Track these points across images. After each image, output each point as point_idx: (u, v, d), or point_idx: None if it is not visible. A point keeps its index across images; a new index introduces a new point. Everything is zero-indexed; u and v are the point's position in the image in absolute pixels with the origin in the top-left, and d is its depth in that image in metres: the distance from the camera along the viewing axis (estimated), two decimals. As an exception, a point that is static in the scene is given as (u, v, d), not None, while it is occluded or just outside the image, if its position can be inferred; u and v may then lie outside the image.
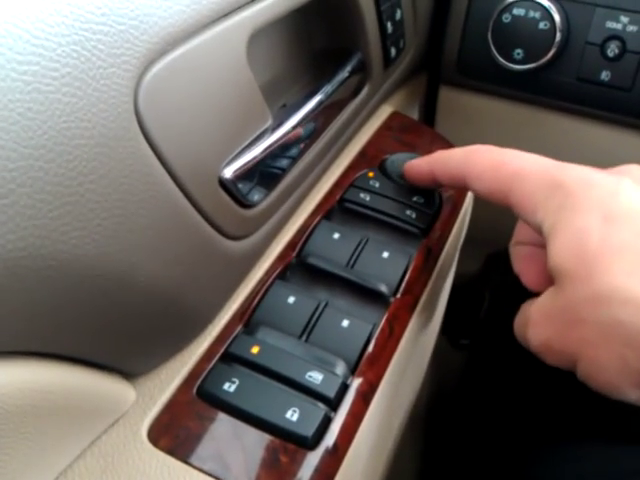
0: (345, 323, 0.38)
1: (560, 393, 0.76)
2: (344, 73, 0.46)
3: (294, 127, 0.39)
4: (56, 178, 0.23)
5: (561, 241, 0.33)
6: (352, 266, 0.41)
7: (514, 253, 0.42)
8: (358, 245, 0.43)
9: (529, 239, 0.41)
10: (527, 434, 0.75)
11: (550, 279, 0.38)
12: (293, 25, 0.46)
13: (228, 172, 0.33)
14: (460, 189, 0.42)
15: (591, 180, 0.34)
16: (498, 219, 0.61)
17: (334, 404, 0.34)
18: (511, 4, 0.58)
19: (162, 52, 0.28)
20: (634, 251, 0.30)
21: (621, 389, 0.31)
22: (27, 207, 0.22)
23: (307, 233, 0.43)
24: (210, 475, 0.31)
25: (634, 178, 0.34)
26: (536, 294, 0.37)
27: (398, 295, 0.41)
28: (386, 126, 0.57)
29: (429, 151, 0.53)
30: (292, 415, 0.33)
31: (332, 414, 0.34)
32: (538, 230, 0.35)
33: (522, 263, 0.41)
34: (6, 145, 0.21)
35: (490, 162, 0.39)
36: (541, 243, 0.40)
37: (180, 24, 0.28)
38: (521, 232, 0.42)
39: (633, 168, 0.36)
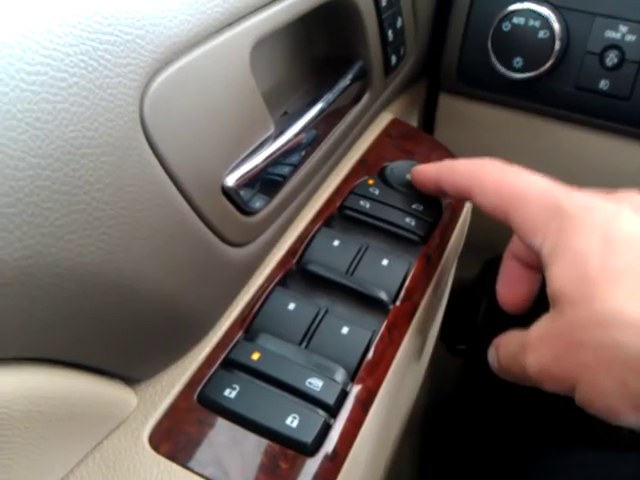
0: (345, 330, 0.38)
1: (556, 399, 0.76)
2: (345, 81, 0.47)
3: (296, 135, 0.39)
4: (63, 187, 0.23)
5: (561, 265, 0.33)
6: (352, 273, 0.42)
7: (503, 267, 0.43)
8: (358, 252, 0.43)
9: (521, 254, 0.41)
10: (523, 440, 0.75)
11: (524, 306, 0.40)
12: (295, 34, 0.47)
13: (230, 180, 0.33)
14: (463, 200, 0.42)
15: (591, 205, 0.34)
16: (496, 225, 0.61)
17: (334, 411, 0.34)
18: (511, 13, 0.59)
19: (167, 61, 0.28)
20: (634, 275, 0.31)
21: (620, 413, 0.31)
22: (34, 215, 0.22)
23: (307, 240, 0.43)
24: None
25: (634, 204, 0.34)
26: (519, 324, 0.38)
27: (397, 302, 0.41)
28: (386, 133, 0.57)
29: (428, 158, 0.53)
30: (292, 421, 0.33)
31: (332, 421, 0.34)
32: (537, 253, 0.36)
33: (504, 282, 0.42)
34: (14, 154, 0.21)
35: (494, 179, 0.39)
36: (532, 263, 0.41)
37: (185, 34, 0.29)
38: (515, 244, 0.42)
39: (632, 194, 0.36)
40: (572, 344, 0.32)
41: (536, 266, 0.40)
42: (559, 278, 0.33)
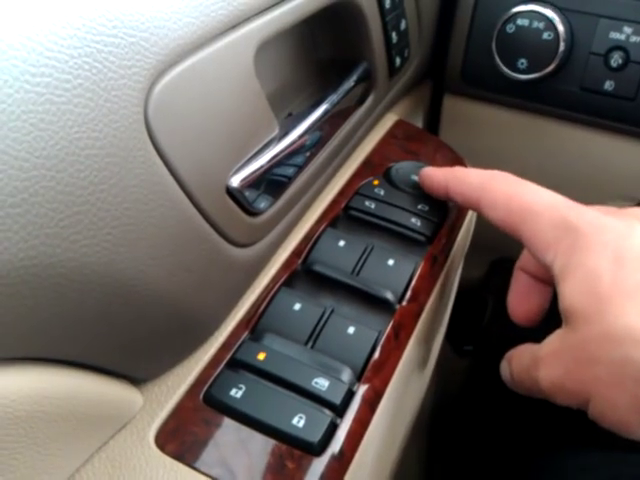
0: (351, 330, 0.38)
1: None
2: (349, 82, 0.47)
3: (300, 136, 0.39)
4: (67, 187, 0.23)
5: (573, 282, 0.33)
6: (358, 273, 0.42)
7: (514, 279, 0.43)
8: (363, 252, 0.43)
9: (531, 268, 0.42)
10: (530, 442, 0.75)
11: (536, 320, 0.40)
12: (299, 35, 0.47)
13: (235, 181, 0.34)
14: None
15: (603, 223, 0.34)
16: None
17: (340, 410, 0.34)
18: (515, 14, 0.59)
19: (172, 63, 0.28)
20: None
21: (633, 427, 0.31)
22: (39, 216, 0.22)
23: (313, 241, 0.43)
24: None
25: None
26: (526, 327, 0.38)
27: (404, 302, 0.41)
28: (391, 134, 0.57)
29: (434, 159, 0.53)
30: (298, 421, 0.33)
31: (338, 420, 0.34)
32: (548, 268, 0.36)
33: (515, 295, 0.42)
34: (19, 155, 0.21)
35: (503, 193, 0.39)
36: (542, 276, 0.41)
37: (189, 36, 0.29)
38: (526, 257, 0.42)
39: None
40: (585, 359, 0.32)
41: (547, 280, 0.41)
42: (571, 295, 0.33)
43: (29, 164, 0.21)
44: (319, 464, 0.33)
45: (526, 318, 0.42)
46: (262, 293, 0.40)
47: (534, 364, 0.36)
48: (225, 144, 0.33)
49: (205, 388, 0.35)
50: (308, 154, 0.42)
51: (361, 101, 0.50)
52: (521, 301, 0.42)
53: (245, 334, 0.38)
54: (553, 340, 0.35)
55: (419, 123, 0.73)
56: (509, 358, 0.39)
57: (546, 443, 0.70)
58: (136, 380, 0.34)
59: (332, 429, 0.34)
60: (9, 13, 0.22)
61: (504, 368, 0.40)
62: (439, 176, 0.45)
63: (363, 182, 0.49)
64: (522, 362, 0.37)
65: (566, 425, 0.71)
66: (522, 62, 0.60)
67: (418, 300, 0.42)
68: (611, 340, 0.31)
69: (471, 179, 0.41)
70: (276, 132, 0.37)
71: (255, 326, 0.38)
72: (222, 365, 0.36)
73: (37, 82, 0.22)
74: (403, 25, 0.53)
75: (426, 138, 0.59)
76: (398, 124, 0.59)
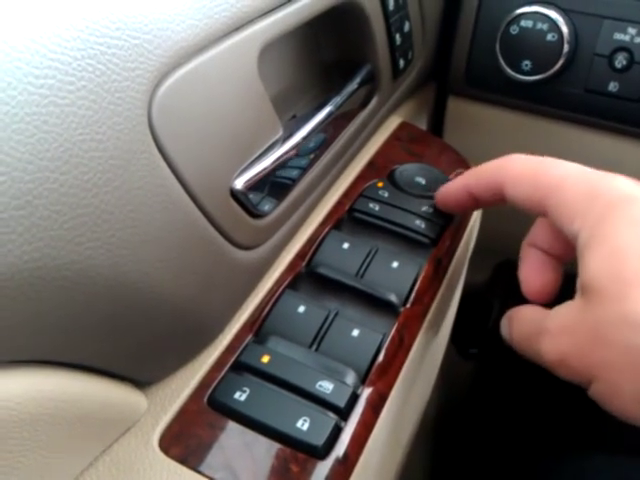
0: (355, 333, 0.38)
1: (570, 404, 0.76)
2: (353, 84, 0.47)
3: (304, 138, 0.39)
4: (71, 190, 0.23)
5: (597, 257, 0.32)
6: (362, 276, 0.42)
7: (525, 255, 0.41)
8: (368, 255, 0.43)
9: (544, 244, 0.40)
10: (536, 445, 0.75)
11: (551, 295, 0.38)
12: (303, 37, 0.47)
13: (239, 183, 0.34)
14: (495, 202, 0.40)
15: (633, 196, 0.33)
16: (507, 228, 0.61)
17: (344, 414, 0.34)
18: (519, 16, 0.59)
19: (175, 65, 0.28)
20: None
21: (636, 414, 0.31)
22: (43, 218, 0.22)
23: (317, 243, 0.43)
24: None
25: None
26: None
27: (408, 305, 0.41)
28: (395, 136, 0.57)
29: (438, 161, 0.53)
30: (303, 424, 0.33)
31: (342, 424, 0.34)
32: (573, 240, 0.34)
33: (529, 270, 0.40)
34: (23, 157, 0.21)
35: (529, 169, 0.38)
36: (555, 252, 0.39)
37: (193, 38, 0.29)
38: (537, 234, 0.40)
39: None
40: (597, 340, 0.31)
41: (560, 255, 0.39)
42: (594, 270, 0.32)
43: (33, 166, 0.21)
44: (323, 467, 0.33)
45: (541, 293, 0.40)
46: (266, 296, 0.40)
47: (538, 333, 0.34)
48: (229, 146, 0.32)
49: (209, 391, 0.35)
50: (312, 156, 0.42)
51: (365, 103, 0.50)
52: (535, 276, 0.40)
53: (249, 337, 0.38)
54: (564, 312, 0.33)
55: (423, 125, 0.73)
56: (510, 318, 0.38)
57: (551, 446, 0.69)
58: (140, 383, 0.34)
59: (336, 432, 0.34)
60: (12, 15, 0.22)
61: (504, 326, 0.39)
62: (455, 182, 0.43)
63: (367, 184, 0.49)
64: (524, 328, 0.36)
65: (571, 429, 0.71)
66: (526, 64, 0.60)
67: (422, 302, 0.42)
68: (629, 326, 0.29)
69: (488, 167, 0.40)
70: (280, 134, 0.37)
71: (259, 329, 0.38)
72: (226, 368, 0.36)
73: (40, 84, 0.22)
74: (407, 27, 0.53)
75: (430, 140, 0.59)
76: (402, 126, 0.59)
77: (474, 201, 0.42)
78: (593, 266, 0.32)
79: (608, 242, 0.32)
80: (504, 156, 0.40)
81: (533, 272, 0.40)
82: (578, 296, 0.33)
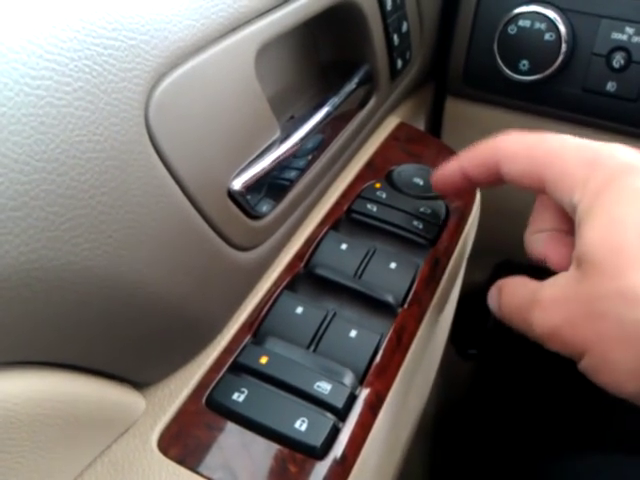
0: (353, 333, 0.38)
1: (569, 404, 0.76)
2: (351, 85, 0.47)
3: (302, 139, 0.39)
4: (68, 191, 0.23)
5: (595, 228, 0.31)
6: (360, 277, 0.42)
7: (533, 241, 0.39)
8: (365, 256, 0.43)
9: (549, 226, 0.39)
10: (534, 445, 0.75)
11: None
12: (300, 38, 0.47)
13: (237, 184, 0.34)
14: (491, 182, 0.39)
15: (635, 165, 0.32)
16: (505, 228, 0.61)
17: (342, 414, 0.34)
18: (517, 16, 0.59)
19: (172, 66, 0.28)
20: None
21: (628, 389, 0.30)
22: (40, 219, 0.22)
23: (315, 244, 0.43)
24: None
25: None
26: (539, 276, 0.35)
27: (406, 305, 0.41)
28: (393, 137, 0.57)
29: (436, 161, 0.53)
30: (301, 425, 0.33)
31: (340, 424, 0.34)
32: (571, 211, 0.34)
33: (547, 246, 0.38)
34: (19, 158, 0.21)
35: (524, 143, 0.37)
36: (562, 229, 0.38)
37: (190, 38, 0.29)
38: (539, 220, 0.39)
39: None
40: (591, 313, 0.30)
41: (568, 231, 0.38)
42: (591, 241, 0.31)
43: (30, 167, 0.21)
44: (321, 468, 0.32)
45: (566, 264, 0.36)
46: (264, 296, 0.40)
47: (529, 305, 0.34)
48: (226, 147, 0.32)
49: (208, 392, 0.35)
50: (310, 157, 0.42)
51: (363, 104, 0.50)
52: (555, 248, 0.38)
53: (247, 338, 0.38)
54: (558, 284, 0.33)
55: (421, 125, 0.73)
56: (499, 288, 0.37)
57: (550, 446, 0.69)
58: (139, 384, 0.34)
59: (334, 433, 0.34)
60: (9, 16, 0.22)
61: (492, 297, 0.38)
62: (450, 164, 0.42)
63: (365, 185, 0.49)
64: (514, 299, 0.36)
65: (570, 428, 0.71)
66: (524, 63, 0.60)
67: (420, 303, 0.42)
68: (624, 298, 0.29)
69: (482, 146, 0.39)
70: (278, 135, 0.37)
71: (257, 330, 0.38)
72: (224, 369, 0.36)
73: (37, 85, 0.22)
74: (405, 27, 0.53)
75: (428, 141, 0.59)
76: (400, 127, 0.59)
77: (469, 182, 0.41)
78: (591, 237, 0.31)
79: (607, 213, 0.31)
80: (497, 136, 0.39)
81: (551, 246, 0.38)
82: (573, 267, 0.32)
